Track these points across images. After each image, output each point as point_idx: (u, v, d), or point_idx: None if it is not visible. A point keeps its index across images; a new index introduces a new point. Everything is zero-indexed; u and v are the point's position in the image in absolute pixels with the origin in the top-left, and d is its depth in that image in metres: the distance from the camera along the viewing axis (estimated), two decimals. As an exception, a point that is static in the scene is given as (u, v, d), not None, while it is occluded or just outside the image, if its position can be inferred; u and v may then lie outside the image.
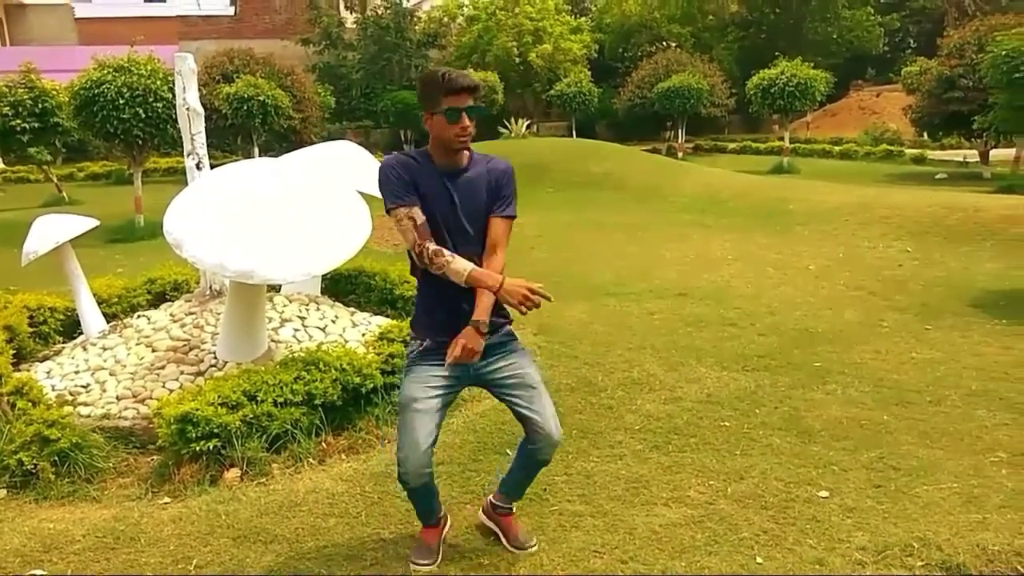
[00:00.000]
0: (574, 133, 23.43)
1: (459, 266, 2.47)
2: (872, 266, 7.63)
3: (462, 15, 27.99)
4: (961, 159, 17.57)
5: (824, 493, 3.32)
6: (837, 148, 20.76)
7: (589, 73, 25.28)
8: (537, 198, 13.60)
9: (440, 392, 2.65)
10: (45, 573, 2.90)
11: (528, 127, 23.18)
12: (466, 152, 2.63)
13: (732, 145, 23.81)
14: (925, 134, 19.14)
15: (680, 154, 21.41)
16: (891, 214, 9.49)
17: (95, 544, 3.06)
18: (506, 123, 22.29)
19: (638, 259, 8.29)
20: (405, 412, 2.62)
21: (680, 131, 22.39)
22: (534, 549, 2.92)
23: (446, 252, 2.49)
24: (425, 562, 2.81)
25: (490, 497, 3.07)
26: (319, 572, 2.82)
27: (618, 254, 8.63)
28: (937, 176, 15.80)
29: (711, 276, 7.37)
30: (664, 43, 27.77)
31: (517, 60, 25.09)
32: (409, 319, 2.88)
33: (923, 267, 7.48)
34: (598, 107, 24.27)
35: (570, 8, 29.77)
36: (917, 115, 17.22)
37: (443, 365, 2.61)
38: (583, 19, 28.87)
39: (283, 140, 19.21)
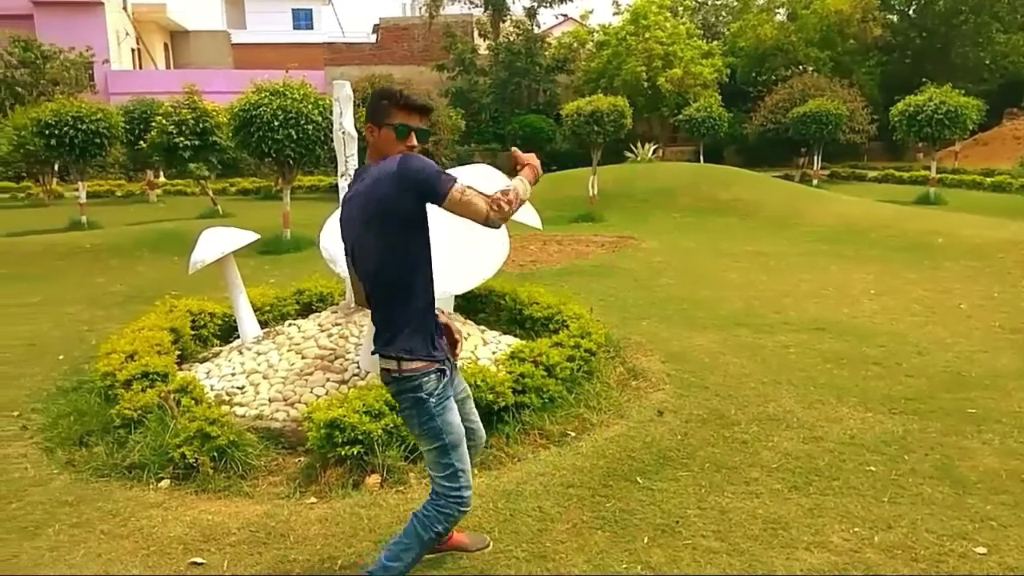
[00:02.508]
0: (702, 158, 23.03)
1: (522, 188, 2.47)
2: (1033, 308, 7.06)
3: (592, 40, 28.21)
4: None
5: (982, 549, 3.10)
6: (989, 180, 19.39)
7: (719, 97, 24.80)
8: (663, 224, 13.47)
9: None
10: (204, 562, 3.12)
11: (654, 152, 22.99)
12: None
13: (872, 173, 22.71)
14: (1092, 167, 17.55)
15: (815, 181, 20.60)
16: (1055, 252, 8.77)
17: (249, 538, 3.27)
18: (632, 147, 22.20)
19: (770, 289, 8.04)
20: (462, 444, 2.57)
21: (816, 157, 21.56)
22: (490, 544, 3.11)
23: (508, 187, 2.43)
24: None
25: None
26: (455, 584, 2.90)
27: (749, 283, 8.39)
28: (1108, 212, 14.44)
29: (851, 311, 7.04)
30: (801, 67, 26.91)
31: (646, 84, 24.96)
32: (408, 353, 2.50)
33: (1093, 311, 6.85)
34: (727, 132, 23.74)
35: (702, 32, 29.38)
36: (1083, 146, 15.80)
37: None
38: (715, 43, 28.39)
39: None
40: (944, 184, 18.90)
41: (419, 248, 2.53)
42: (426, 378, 2.48)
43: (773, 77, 26.34)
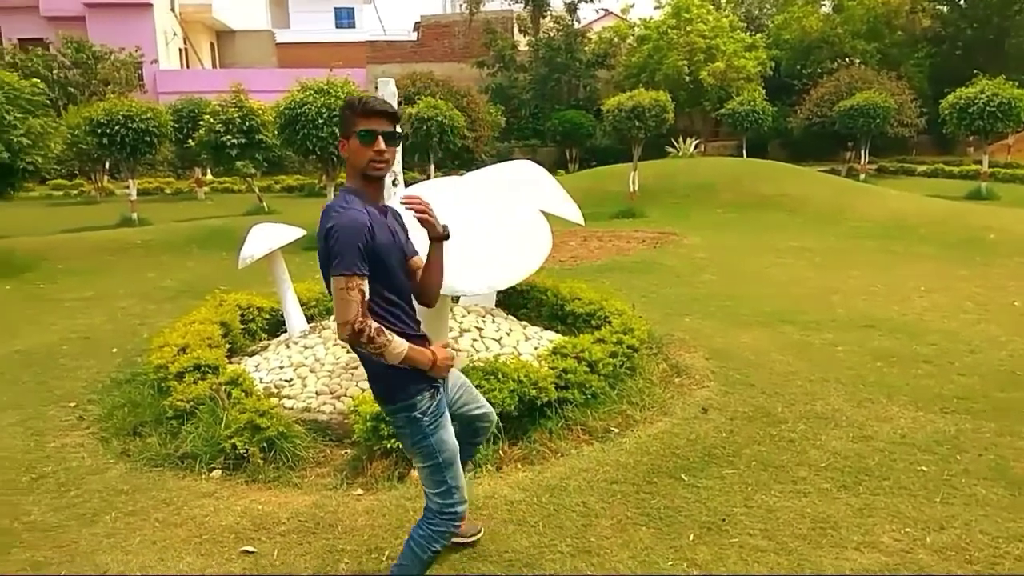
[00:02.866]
0: (744, 153, 22.73)
1: (397, 347, 2.34)
2: (1093, 306, 6.83)
3: (633, 35, 28.01)
4: None
5: (1040, 553, 3.02)
6: (1044, 174, 18.84)
7: (763, 91, 24.45)
8: (705, 219, 13.34)
9: None
10: (255, 550, 3.19)
11: (696, 147, 22.76)
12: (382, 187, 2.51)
13: (921, 168, 22.19)
14: None
15: (862, 176, 20.22)
16: (1116, 248, 8.47)
17: (298, 527, 3.34)
18: (673, 142, 22.00)
19: (817, 286, 7.91)
20: (456, 462, 2.55)
21: (863, 151, 21.14)
22: (482, 530, 3.18)
23: (386, 331, 2.33)
24: None
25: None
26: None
27: (794, 280, 8.27)
28: None
29: (901, 308, 6.89)
30: (847, 59, 26.36)
31: (687, 78, 24.72)
32: (394, 383, 2.47)
33: None
34: (771, 126, 23.40)
35: (745, 25, 28.99)
36: None
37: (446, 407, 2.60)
38: (759, 36, 27.98)
39: (456, 158, 20.05)
40: (996, 179, 18.38)
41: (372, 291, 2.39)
42: (419, 397, 2.46)
43: (818, 70, 25.88)
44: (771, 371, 5.18)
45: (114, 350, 6.16)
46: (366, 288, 2.31)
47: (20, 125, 10.33)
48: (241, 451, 3.84)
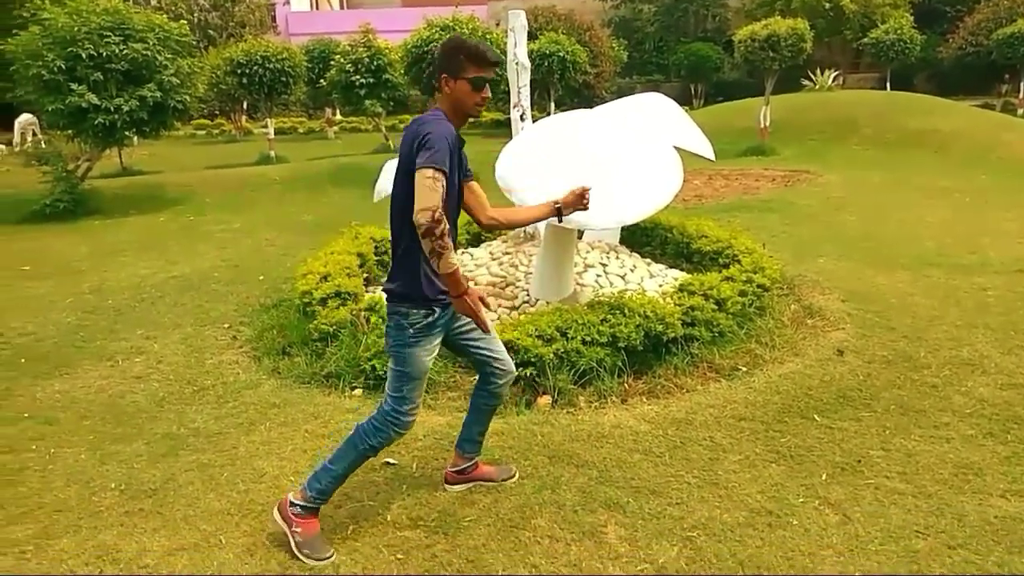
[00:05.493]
0: (888, 85, 21.16)
1: (453, 256, 2.45)
2: None
3: (769, -41, 26.33)
4: None
5: None
6: None
7: (911, 18, 22.52)
8: (843, 156, 12.63)
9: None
10: (396, 463, 3.40)
11: (835, 79, 21.37)
12: None
13: (1093, 101, 19.96)
14: None
15: (1020, 111, 18.44)
16: None
17: (434, 444, 3.52)
18: (810, 75, 20.75)
19: (966, 228, 7.38)
20: (419, 380, 2.71)
21: (1023, 84, 19.22)
22: (516, 474, 3.21)
23: (448, 238, 2.44)
24: (326, 556, 2.73)
25: (449, 469, 3.18)
26: (627, 501, 2.99)
27: (941, 221, 7.74)
28: None
29: (1062, 253, 6.35)
30: (1011, -19, 23.79)
31: (827, 6, 23.10)
32: (399, 291, 2.67)
33: None
34: (919, 56, 21.59)
35: (895, -55, 26.60)
36: None
37: (441, 332, 2.74)
38: (910, -43, 25.65)
39: (576, 95, 19.75)
40: None
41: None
42: (415, 311, 2.65)
43: (977, -7, 23.53)
44: (914, 315, 4.94)
45: (261, 277, 6.59)
46: (444, 185, 2.44)
47: (170, 65, 11.00)
48: (380, 372, 4.06)
